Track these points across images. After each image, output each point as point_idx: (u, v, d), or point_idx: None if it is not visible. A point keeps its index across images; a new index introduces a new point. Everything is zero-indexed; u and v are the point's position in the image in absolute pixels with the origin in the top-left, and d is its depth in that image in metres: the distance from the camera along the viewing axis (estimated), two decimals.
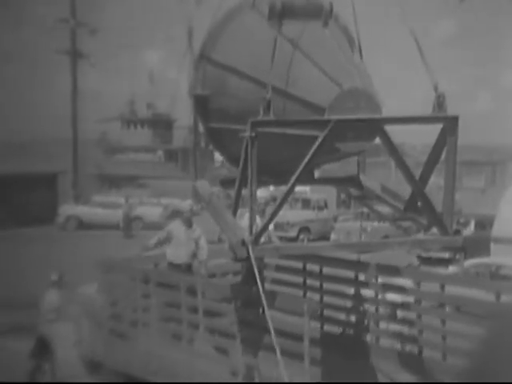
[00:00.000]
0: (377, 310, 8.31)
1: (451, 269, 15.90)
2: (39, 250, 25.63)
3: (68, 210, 36.61)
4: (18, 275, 19.21)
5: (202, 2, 38.78)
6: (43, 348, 10.20)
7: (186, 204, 10.16)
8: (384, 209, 8.33)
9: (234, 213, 7.21)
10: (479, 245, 17.14)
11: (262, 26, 7.48)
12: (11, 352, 12.49)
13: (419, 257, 24.48)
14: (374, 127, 6.68)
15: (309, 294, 9.15)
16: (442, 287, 7.61)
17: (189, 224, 9.87)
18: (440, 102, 6.75)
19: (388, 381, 7.72)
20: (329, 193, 31.71)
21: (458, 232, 7.05)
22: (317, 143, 6.35)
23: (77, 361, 9.67)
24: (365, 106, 6.64)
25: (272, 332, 6.33)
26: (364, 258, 8.86)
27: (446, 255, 23.39)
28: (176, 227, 9.89)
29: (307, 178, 7.52)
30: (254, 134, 6.35)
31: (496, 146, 62.35)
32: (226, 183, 8.24)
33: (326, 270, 9.00)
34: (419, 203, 7.15)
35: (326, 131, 6.33)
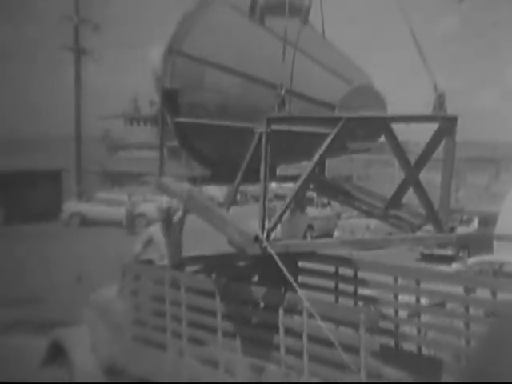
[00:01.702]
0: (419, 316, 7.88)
1: (454, 266, 15.87)
2: (43, 246, 25.65)
3: (72, 206, 36.67)
4: (23, 272, 19.24)
5: None
6: (58, 354, 9.55)
7: (162, 202, 9.18)
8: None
9: (228, 208, 7.06)
10: (482, 242, 17.12)
11: (240, 20, 7.44)
12: (13, 349, 12.47)
13: (422, 254, 24.48)
14: (381, 125, 6.68)
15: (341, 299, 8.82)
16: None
17: (168, 224, 9.02)
18: (441, 102, 6.77)
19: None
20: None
21: (452, 230, 7.09)
22: (328, 140, 6.30)
23: (95, 367, 9.07)
24: (373, 103, 6.65)
25: (304, 342, 6.25)
26: (365, 255, 8.80)
27: (449, 252, 23.38)
28: (156, 230, 9.12)
29: (269, 175, 7.43)
30: (269, 130, 6.23)
31: (500, 143, 62.26)
32: (194, 180, 8.13)
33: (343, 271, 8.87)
34: (421, 202, 7.10)
35: (338, 128, 6.27)
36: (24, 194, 35.65)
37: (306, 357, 6.41)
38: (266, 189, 6.42)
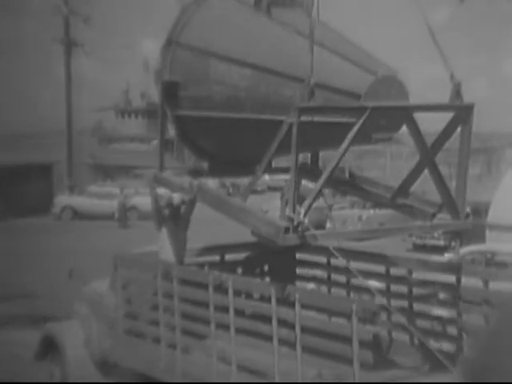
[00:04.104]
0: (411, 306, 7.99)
1: (447, 256, 15.89)
2: (35, 240, 25.57)
3: (63, 200, 36.55)
4: (14, 266, 19.16)
5: None
6: (51, 349, 9.54)
7: (172, 198, 8.91)
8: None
9: (246, 199, 7.01)
10: (474, 232, 17.14)
11: (244, 12, 7.41)
12: (5, 343, 12.42)
13: (414, 244, 24.51)
14: (404, 114, 6.75)
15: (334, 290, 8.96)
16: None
17: (177, 220, 8.71)
18: (457, 91, 6.87)
19: None
20: None
21: (468, 216, 7.19)
22: (355, 129, 6.33)
23: (88, 361, 9.04)
24: (396, 93, 6.73)
25: (297, 332, 6.26)
26: (357, 246, 8.78)
27: (441, 242, 23.42)
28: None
29: (267, 167, 7.49)
30: (299, 120, 6.21)
31: (492, 133, 62.33)
32: (195, 173, 8.07)
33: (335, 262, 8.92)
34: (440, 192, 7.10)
35: (365, 117, 6.31)
36: (15, 188, 35.48)
37: (299, 347, 6.41)
38: (294, 179, 6.39)
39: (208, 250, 9.38)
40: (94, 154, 48.68)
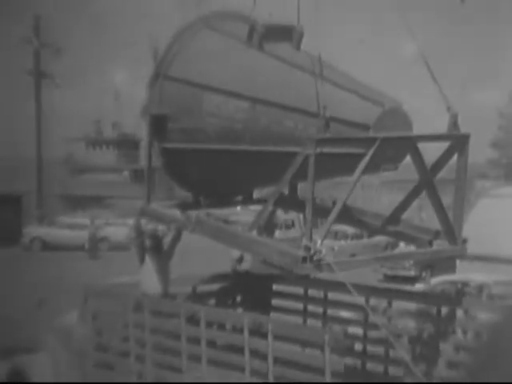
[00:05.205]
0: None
1: (418, 286, 15.96)
2: (3, 271, 25.22)
3: (33, 231, 36.17)
4: None
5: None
6: (18, 381, 9.46)
7: (156, 229, 8.86)
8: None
9: (253, 229, 7.00)
10: (445, 262, 17.25)
11: (236, 45, 7.43)
12: None
13: (385, 275, 24.60)
14: (409, 144, 6.88)
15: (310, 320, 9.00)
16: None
17: (158, 250, 8.77)
18: (454, 122, 7.09)
19: None
20: (294, 212, 31.68)
21: (464, 241, 7.30)
22: (366, 159, 6.44)
23: None
24: (402, 124, 6.90)
25: (270, 363, 6.28)
26: (325, 276, 8.79)
27: (412, 273, 23.55)
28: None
29: (247, 199, 7.41)
30: (317, 152, 6.25)
31: None
32: (184, 207, 8.01)
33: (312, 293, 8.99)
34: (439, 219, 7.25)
35: (375, 147, 6.42)
36: None
37: (271, 377, 6.40)
38: (310, 209, 6.43)
39: (180, 280, 9.31)
40: (64, 184, 48.38)
